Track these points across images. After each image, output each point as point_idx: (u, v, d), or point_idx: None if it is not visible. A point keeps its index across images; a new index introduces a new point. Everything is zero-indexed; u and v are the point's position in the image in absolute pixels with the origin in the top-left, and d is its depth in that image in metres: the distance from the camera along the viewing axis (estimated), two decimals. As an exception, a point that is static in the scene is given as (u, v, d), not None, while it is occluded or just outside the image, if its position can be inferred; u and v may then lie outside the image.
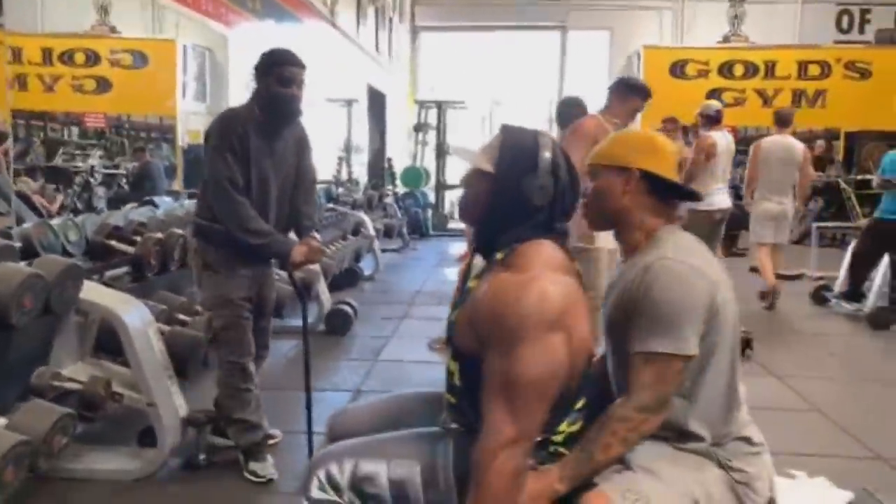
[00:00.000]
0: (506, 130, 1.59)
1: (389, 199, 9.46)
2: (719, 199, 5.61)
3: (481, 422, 1.47)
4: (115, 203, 7.99)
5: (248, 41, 6.14)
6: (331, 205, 7.04)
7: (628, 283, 1.57)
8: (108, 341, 2.90)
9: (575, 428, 1.53)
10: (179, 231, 3.49)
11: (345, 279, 6.29)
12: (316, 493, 1.55)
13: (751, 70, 12.43)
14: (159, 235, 3.39)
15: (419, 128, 11.76)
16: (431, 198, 12.00)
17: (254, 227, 2.60)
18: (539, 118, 14.44)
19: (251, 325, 2.79)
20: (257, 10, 5.42)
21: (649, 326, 1.49)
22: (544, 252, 1.50)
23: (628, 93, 3.63)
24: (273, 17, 5.82)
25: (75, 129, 11.47)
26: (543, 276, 1.44)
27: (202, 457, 2.85)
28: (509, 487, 1.35)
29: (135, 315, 2.76)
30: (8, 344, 2.47)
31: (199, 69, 11.35)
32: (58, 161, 10.28)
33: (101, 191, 9.94)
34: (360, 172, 10.62)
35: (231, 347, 2.76)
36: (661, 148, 1.68)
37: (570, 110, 4.42)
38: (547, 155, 1.51)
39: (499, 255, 1.54)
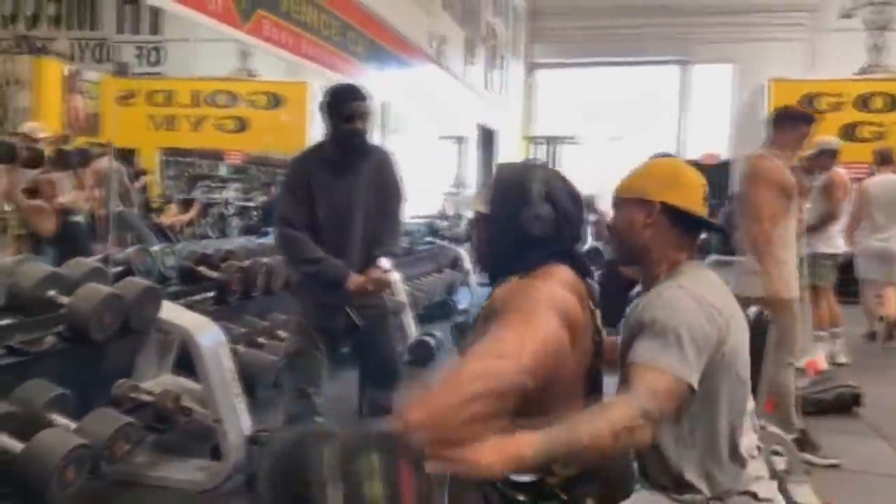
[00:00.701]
0: (499, 169, 1.62)
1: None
2: (840, 241, 5.26)
3: None
4: (246, 233, 8.61)
5: (366, 81, 6.45)
6: (429, 238, 7.19)
7: (639, 311, 1.53)
8: (189, 359, 3.13)
9: (571, 470, 1.49)
10: (264, 260, 3.72)
11: (438, 311, 6.37)
12: None
13: (891, 103, 11.56)
14: (243, 263, 3.62)
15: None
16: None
17: (305, 255, 2.72)
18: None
19: (323, 356, 2.86)
20: (359, 53, 5.70)
21: (652, 343, 1.41)
22: (556, 272, 1.51)
23: (794, 121, 3.50)
24: (376, 60, 6.09)
25: (214, 165, 12.51)
26: (553, 284, 1.46)
27: (264, 474, 2.98)
28: (478, 391, 1.22)
29: (208, 335, 2.96)
30: (92, 357, 2.73)
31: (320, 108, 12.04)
32: (197, 194, 11.23)
33: (234, 221, 10.75)
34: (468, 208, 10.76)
35: (297, 373, 2.87)
36: (685, 179, 1.61)
37: None
38: (537, 186, 1.52)
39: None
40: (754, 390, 2.98)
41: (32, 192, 5.44)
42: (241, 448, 2.91)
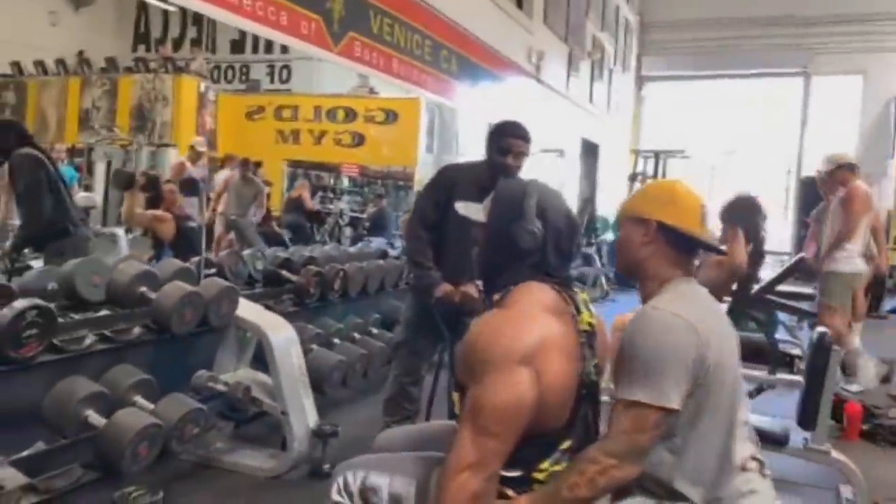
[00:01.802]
0: (500, 184, 1.72)
1: (591, 249, 9.44)
2: (859, 260, 4.89)
3: None
4: (354, 242, 9.06)
5: (471, 99, 6.66)
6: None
7: (627, 331, 1.59)
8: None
9: (559, 468, 1.56)
10: (340, 266, 3.96)
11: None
12: (335, 496, 1.75)
13: None
14: (321, 268, 3.88)
15: (634, 177, 11.62)
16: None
17: (417, 259, 2.97)
18: (777, 168, 13.46)
19: (425, 353, 3.10)
20: (452, 70, 5.90)
21: (630, 374, 1.49)
22: (535, 293, 1.58)
23: None
24: (469, 77, 6.27)
25: (336, 177, 13.13)
26: (524, 314, 1.53)
27: (326, 466, 3.18)
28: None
29: (280, 333, 3.21)
30: (177, 348, 3.04)
31: (430, 124, 12.49)
32: (314, 204, 11.84)
33: (347, 231, 11.29)
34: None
35: (399, 364, 3.12)
36: (681, 199, 1.67)
37: None
38: (532, 202, 1.61)
39: (496, 297, 1.66)
40: (812, 409, 2.89)
41: (154, 201, 6.05)
42: (305, 440, 3.13)
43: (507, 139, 2.88)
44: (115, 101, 12.10)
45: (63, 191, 3.88)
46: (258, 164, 10.59)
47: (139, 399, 2.67)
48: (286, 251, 4.36)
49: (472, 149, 11.44)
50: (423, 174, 12.43)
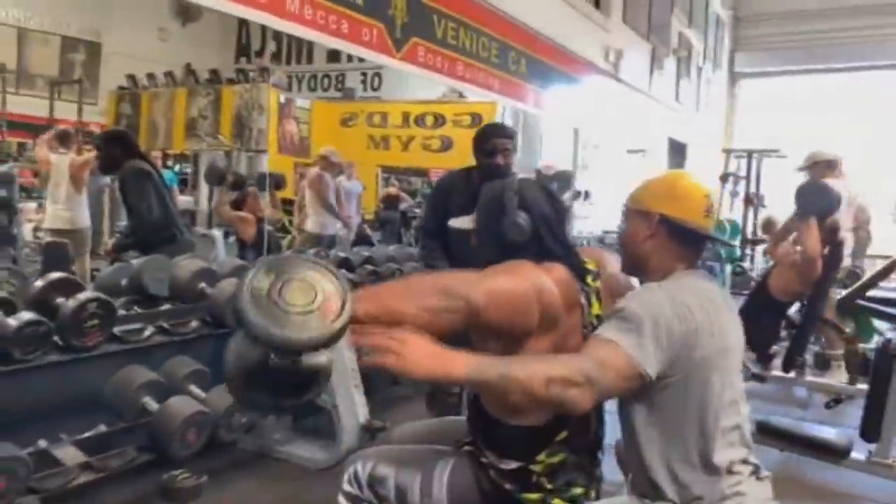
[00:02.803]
0: (482, 190, 1.75)
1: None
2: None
3: (482, 446, 1.64)
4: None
5: (544, 100, 6.68)
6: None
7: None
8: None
9: (556, 459, 1.59)
10: (395, 266, 4.06)
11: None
12: (345, 485, 1.84)
13: None
14: (377, 267, 3.99)
15: (725, 177, 11.16)
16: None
17: (432, 263, 3.10)
18: (879, 167, 12.61)
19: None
20: (521, 72, 5.91)
21: (616, 324, 1.46)
22: (558, 272, 1.59)
23: None
24: (540, 78, 6.26)
25: (427, 182, 13.41)
26: (543, 273, 1.55)
27: (374, 460, 3.27)
28: (427, 288, 1.42)
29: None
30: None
31: (513, 126, 12.49)
32: (402, 208, 12.12)
33: (433, 233, 11.51)
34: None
35: None
36: (684, 192, 1.65)
37: None
38: (511, 195, 1.63)
39: None
40: (875, 419, 2.74)
41: (238, 204, 6.38)
42: (355, 433, 3.23)
43: (492, 140, 2.96)
44: (218, 110, 12.84)
45: (169, 200, 4.17)
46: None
47: (193, 388, 2.84)
48: (350, 251, 4.50)
49: (556, 150, 11.45)
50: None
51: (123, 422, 2.66)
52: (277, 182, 6.97)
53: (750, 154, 10.79)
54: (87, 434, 2.55)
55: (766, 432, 3.06)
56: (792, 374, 4.60)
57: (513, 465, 1.61)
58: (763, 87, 13.83)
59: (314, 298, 1.24)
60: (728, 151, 11.45)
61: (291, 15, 3.69)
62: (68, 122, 12.61)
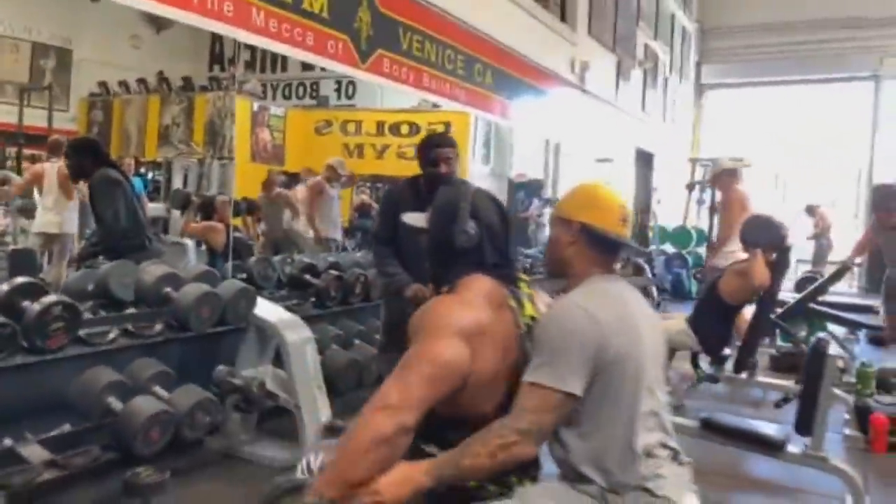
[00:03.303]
0: (439, 192, 1.87)
1: (640, 259, 9.37)
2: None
3: (428, 443, 1.75)
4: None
5: (510, 110, 6.84)
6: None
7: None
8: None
9: None
10: (360, 271, 4.18)
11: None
12: (297, 474, 1.95)
13: None
14: (341, 273, 4.10)
15: (692, 186, 11.43)
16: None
17: (384, 268, 3.26)
18: (845, 176, 12.98)
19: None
20: (486, 84, 6.06)
21: (536, 360, 1.60)
22: (481, 284, 1.71)
23: None
24: (505, 89, 6.42)
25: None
26: (465, 299, 1.67)
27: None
28: (367, 446, 1.46)
29: (295, 332, 3.44)
30: (203, 345, 3.31)
31: (486, 136, 12.70)
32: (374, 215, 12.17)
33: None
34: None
35: (385, 367, 3.31)
36: (602, 202, 1.78)
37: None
38: (465, 205, 1.74)
39: (444, 290, 1.81)
40: (808, 415, 2.89)
41: (207, 213, 6.47)
42: (316, 434, 3.33)
43: (434, 150, 3.15)
44: (191, 118, 12.87)
45: (139, 209, 4.23)
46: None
47: (157, 389, 2.93)
48: (316, 258, 4.61)
49: (529, 159, 11.63)
50: (483, 186, 12.62)
51: (88, 421, 2.74)
52: (250, 208, 7.10)
53: (714, 163, 11.04)
54: (52, 433, 2.63)
55: (710, 428, 3.22)
56: (743, 375, 4.79)
57: None
58: (728, 97, 14.16)
59: None
60: (694, 160, 11.73)
61: (257, 28, 3.78)
62: (38, 129, 12.58)
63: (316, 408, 3.40)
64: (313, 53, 4.21)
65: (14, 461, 2.45)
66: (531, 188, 11.02)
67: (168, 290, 3.20)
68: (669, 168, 12.06)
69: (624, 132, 9.73)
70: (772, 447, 3.12)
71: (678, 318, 4.74)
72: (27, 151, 11.41)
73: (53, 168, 6.18)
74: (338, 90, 13.87)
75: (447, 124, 12.10)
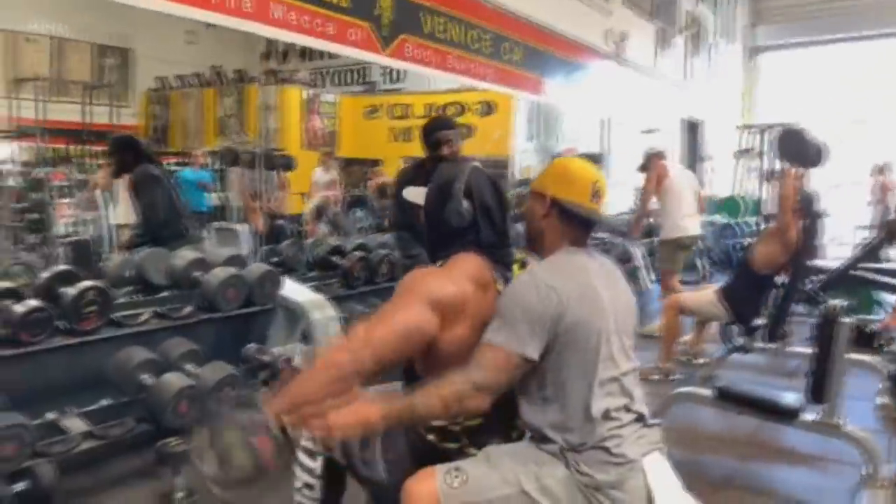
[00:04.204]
0: (437, 170, 1.94)
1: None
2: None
3: None
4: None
5: (560, 86, 6.85)
6: (602, 234, 7.30)
7: None
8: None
9: (474, 423, 1.80)
10: (385, 252, 4.32)
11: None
12: (303, 441, 2.06)
13: None
14: (366, 254, 4.25)
15: (741, 154, 11.13)
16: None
17: (405, 252, 3.50)
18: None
19: None
20: (515, 61, 6.08)
21: (494, 324, 1.69)
22: (467, 262, 1.80)
23: None
24: (536, 65, 6.42)
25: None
26: (448, 274, 1.76)
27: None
28: (322, 372, 1.60)
29: (320, 311, 3.62)
30: (228, 326, 3.51)
31: (530, 114, 12.66)
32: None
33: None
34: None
35: None
36: (574, 176, 1.84)
37: None
38: (459, 185, 1.82)
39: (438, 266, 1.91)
40: (820, 382, 2.88)
41: (253, 196, 6.74)
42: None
43: (436, 134, 3.21)
44: (242, 109, 13.32)
45: (177, 201, 4.48)
46: (375, 162, 11.22)
47: (188, 366, 3.14)
48: (345, 240, 4.77)
49: (581, 133, 11.53)
50: (527, 163, 12.70)
51: (124, 396, 2.96)
52: (287, 164, 7.27)
53: (763, 129, 10.74)
54: (91, 407, 2.86)
55: (725, 397, 3.23)
56: (775, 345, 4.74)
57: (436, 422, 1.84)
58: (783, 60, 13.63)
59: (253, 451, 1.52)
60: (743, 127, 11.40)
61: (276, 21, 3.92)
62: (102, 126, 13.20)
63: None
64: (334, 42, 4.33)
65: (57, 432, 2.69)
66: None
67: (197, 274, 3.41)
68: (718, 136, 11.76)
69: (667, 102, 9.55)
70: (786, 415, 3.11)
71: (708, 290, 4.72)
72: (93, 148, 12.00)
73: None
74: (386, 74, 14.03)
75: (488, 103, 12.21)
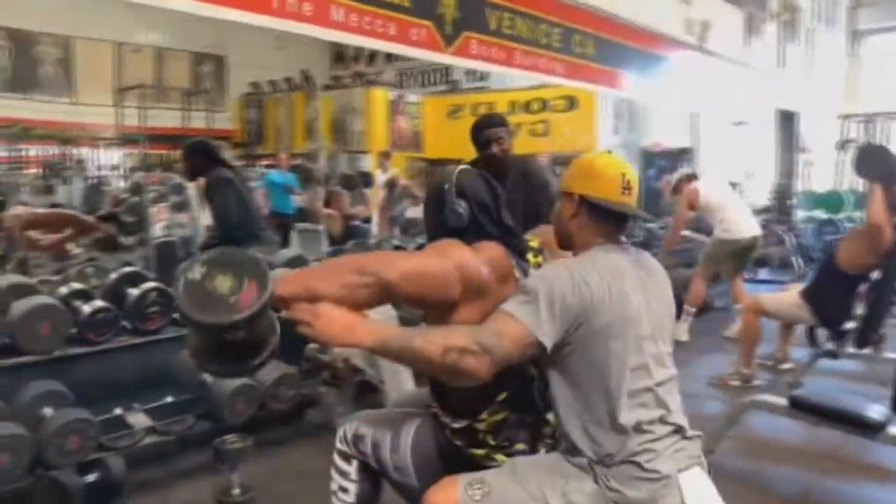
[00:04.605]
0: (429, 183, 1.94)
1: (781, 227, 8.77)
2: None
3: (438, 408, 1.86)
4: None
5: (639, 79, 6.67)
6: (687, 232, 7.01)
7: None
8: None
9: (498, 417, 1.77)
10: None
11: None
12: (338, 443, 2.11)
13: None
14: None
15: (843, 145, 10.44)
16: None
17: None
18: None
19: None
20: (587, 54, 5.92)
21: (516, 298, 1.60)
22: (491, 249, 1.76)
23: None
24: (610, 58, 6.23)
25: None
26: (478, 253, 1.72)
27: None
28: (338, 266, 1.64)
29: (378, 311, 3.61)
30: (283, 324, 3.56)
31: (616, 108, 12.39)
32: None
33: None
34: (758, 198, 10.03)
35: None
36: (600, 172, 1.75)
37: None
38: (449, 187, 1.80)
39: None
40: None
41: (327, 203, 6.89)
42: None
43: (484, 132, 3.11)
44: (324, 114, 13.72)
45: (249, 203, 4.63)
46: (459, 162, 11.28)
47: (248, 365, 3.22)
48: (406, 240, 4.78)
49: (665, 129, 11.16)
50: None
51: (187, 394, 3.07)
52: (366, 181, 7.44)
53: (871, 119, 10.03)
54: (155, 404, 2.98)
55: (800, 406, 3.03)
56: (867, 351, 4.40)
57: (461, 423, 1.80)
58: (890, 43, 12.68)
59: (239, 285, 1.48)
60: (845, 117, 10.69)
61: (337, 24, 3.96)
62: (199, 131, 13.84)
63: (399, 381, 3.56)
64: (396, 43, 4.34)
65: (123, 427, 2.81)
66: (670, 157, 10.61)
67: (260, 273, 3.48)
68: (817, 127, 11.09)
69: (759, 92, 9.08)
70: (869, 428, 2.88)
71: (792, 291, 4.44)
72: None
73: None
74: (468, 73, 14.06)
75: (569, 99, 12.06)
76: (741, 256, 5.68)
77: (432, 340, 1.50)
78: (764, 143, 10.74)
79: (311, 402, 3.84)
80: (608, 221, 1.75)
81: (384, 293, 1.60)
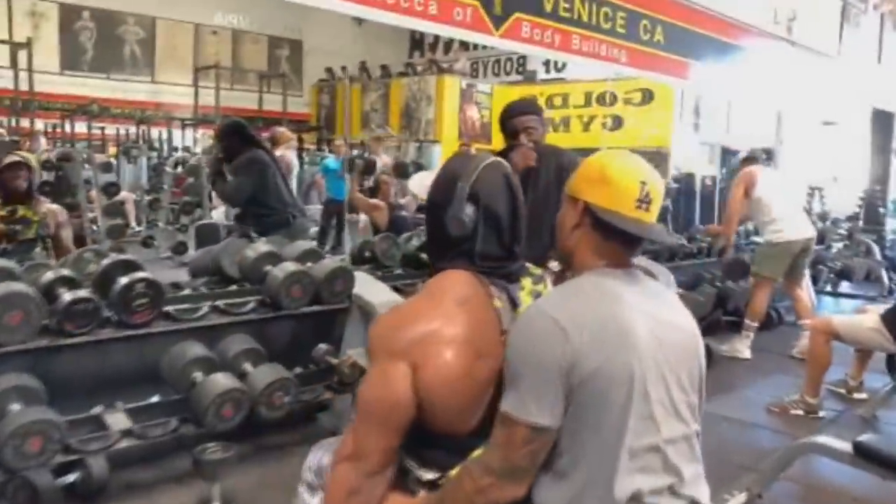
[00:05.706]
0: (448, 159, 1.60)
1: (870, 237, 7.99)
2: None
3: (408, 456, 1.57)
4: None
5: (717, 71, 6.22)
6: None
7: None
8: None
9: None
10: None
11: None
12: (304, 472, 1.84)
13: None
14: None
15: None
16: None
17: None
18: None
19: None
20: (656, 42, 5.44)
21: (507, 384, 1.34)
22: (449, 282, 1.48)
23: None
24: (683, 46, 5.72)
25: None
26: (415, 304, 1.48)
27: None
28: (341, 500, 1.40)
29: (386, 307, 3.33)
30: (294, 324, 3.33)
31: (696, 104, 11.74)
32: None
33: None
34: (847, 204, 9.22)
35: None
36: (613, 176, 1.39)
37: None
38: (462, 184, 1.46)
39: (420, 283, 1.59)
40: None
41: (373, 191, 6.63)
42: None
43: (513, 121, 2.79)
44: (387, 103, 13.65)
45: (283, 188, 4.46)
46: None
47: (245, 366, 2.99)
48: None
49: (749, 127, 10.43)
50: (689, 154, 11.76)
51: (176, 394, 2.85)
52: (418, 170, 7.16)
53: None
54: (138, 404, 2.77)
55: (865, 455, 2.55)
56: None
57: (431, 475, 1.50)
58: None
59: None
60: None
61: (371, 1, 3.70)
62: (274, 114, 13.97)
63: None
64: (436, 23, 4.02)
65: (100, 428, 2.61)
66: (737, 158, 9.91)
67: (267, 268, 3.25)
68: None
69: (853, 90, 8.30)
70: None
71: (872, 313, 3.90)
72: (264, 135, 12.71)
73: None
74: (546, 63, 13.71)
75: (650, 90, 11.54)
76: (795, 261, 5.08)
77: (457, 500, 1.34)
78: (855, 144, 9.88)
79: (323, 405, 3.61)
80: (615, 240, 1.40)
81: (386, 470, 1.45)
